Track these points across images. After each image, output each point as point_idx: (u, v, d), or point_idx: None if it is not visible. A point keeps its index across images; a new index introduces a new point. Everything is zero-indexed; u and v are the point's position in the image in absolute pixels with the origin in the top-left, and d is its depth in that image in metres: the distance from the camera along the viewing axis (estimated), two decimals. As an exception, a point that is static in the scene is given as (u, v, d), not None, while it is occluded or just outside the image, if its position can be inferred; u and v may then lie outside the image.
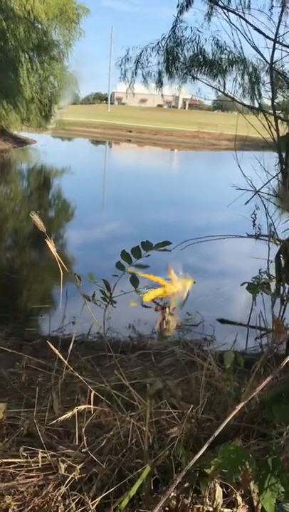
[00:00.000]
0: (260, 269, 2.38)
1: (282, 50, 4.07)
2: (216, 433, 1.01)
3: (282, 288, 1.78)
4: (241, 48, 4.91)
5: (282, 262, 1.69)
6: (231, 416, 1.01)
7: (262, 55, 4.01)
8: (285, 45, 3.76)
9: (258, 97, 5.41)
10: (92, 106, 56.18)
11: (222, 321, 4.59)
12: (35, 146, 24.42)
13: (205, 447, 1.02)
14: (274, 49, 3.88)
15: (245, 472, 1.27)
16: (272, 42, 3.87)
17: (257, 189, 3.77)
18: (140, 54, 6.13)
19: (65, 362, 1.51)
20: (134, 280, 2.05)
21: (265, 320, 3.24)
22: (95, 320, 1.94)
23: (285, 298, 1.86)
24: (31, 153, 23.37)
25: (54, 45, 20.46)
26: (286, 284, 1.76)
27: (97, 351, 2.90)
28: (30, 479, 1.59)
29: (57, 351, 1.40)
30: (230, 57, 5.55)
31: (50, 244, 1.42)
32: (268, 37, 3.80)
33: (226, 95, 5.71)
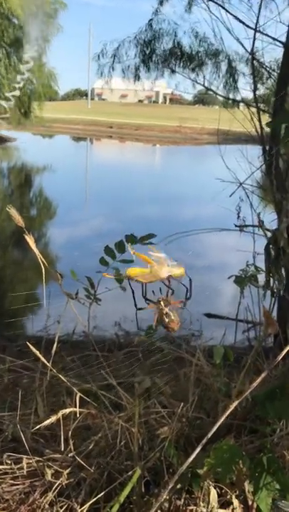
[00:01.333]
0: (247, 262, 2.34)
1: (262, 40, 4.04)
2: (209, 435, 0.96)
3: (271, 280, 1.75)
4: (221, 39, 4.87)
5: (272, 253, 1.65)
6: (224, 416, 0.96)
7: (242, 45, 3.97)
8: (265, 34, 3.72)
9: (238, 89, 5.37)
10: (72, 102, 55.70)
11: (209, 315, 4.56)
12: (16, 144, 24.12)
13: (198, 450, 0.96)
14: (254, 39, 3.85)
15: (240, 472, 1.23)
16: (253, 32, 3.84)
17: (241, 182, 3.74)
18: (117, 48, 6.04)
19: (48, 365, 1.44)
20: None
21: (253, 313, 3.21)
22: (79, 319, 1.88)
23: (274, 290, 1.83)
24: (11, 151, 23.07)
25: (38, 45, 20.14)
26: (275, 276, 1.73)
27: (83, 350, 2.83)
28: (16, 486, 1.53)
29: (38, 353, 1.33)
30: (209, 48, 5.51)
31: (30, 240, 1.34)
32: (248, 26, 3.76)
33: (206, 88, 5.67)
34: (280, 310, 3.07)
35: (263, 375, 0.95)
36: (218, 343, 3.50)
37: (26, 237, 1.33)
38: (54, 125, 29.66)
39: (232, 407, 0.95)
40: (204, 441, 0.95)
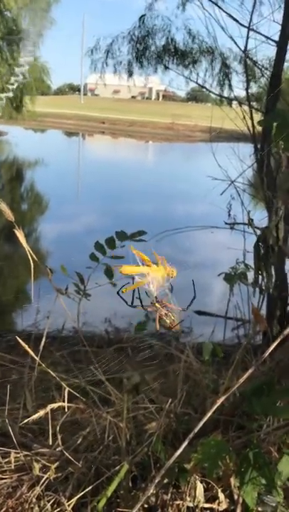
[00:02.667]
0: (237, 260, 2.35)
1: (255, 38, 4.05)
2: (196, 429, 0.96)
3: (260, 277, 1.76)
4: (215, 37, 4.87)
5: (261, 250, 1.67)
6: (211, 411, 0.97)
7: (236, 43, 3.97)
8: (258, 33, 3.73)
9: (231, 86, 5.37)
10: (65, 97, 55.38)
11: (199, 312, 4.58)
12: (7, 138, 23.96)
13: (184, 445, 0.97)
14: (248, 37, 3.86)
15: (226, 467, 1.24)
16: (246, 30, 3.84)
17: (232, 180, 3.76)
18: (111, 43, 6.02)
19: (37, 359, 1.44)
20: (109, 272, 1.99)
21: (243, 311, 3.23)
22: (68, 314, 1.87)
23: (263, 288, 1.84)
24: (3, 145, 22.91)
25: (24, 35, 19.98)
26: (264, 273, 1.75)
27: (73, 346, 2.83)
28: (3, 480, 1.53)
29: (27, 347, 1.33)
30: (203, 46, 5.50)
31: (20, 234, 1.34)
32: (241, 24, 3.76)
33: (199, 85, 5.68)
34: (269, 307, 3.10)
35: (250, 371, 0.96)
36: (208, 340, 3.52)
37: (16, 231, 1.33)
38: (46, 119, 29.50)
39: (219, 402, 0.96)
40: (191, 435, 0.96)
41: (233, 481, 1.34)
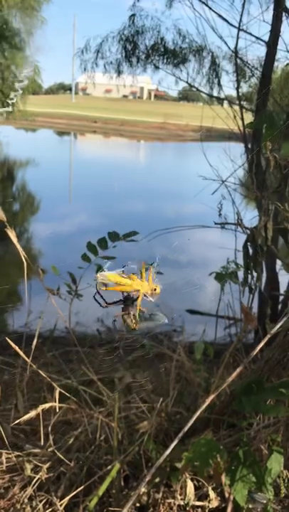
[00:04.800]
0: (228, 259, 2.37)
1: (245, 39, 4.07)
2: (186, 428, 0.97)
3: (250, 276, 1.77)
4: (205, 37, 4.89)
5: (250, 250, 1.68)
6: (201, 410, 0.98)
7: (226, 43, 3.99)
8: (248, 33, 3.75)
9: (222, 86, 5.39)
10: (56, 96, 55.19)
11: (191, 311, 4.59)
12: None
13: (174, 443, 0.98)
14: (238, 37, 3.88)
15: (217, 465, 1.25)
16: (236, 30, 3.86)
17: (223, 179, 3.77)
18: (100, 43, 6.01)
19: (28, 360, 1.44)
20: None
21: (234, 309, 3.24)
22: (60, 314, 1.88)
23: (253, 287, 1.85)
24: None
25: (15, 34, 19.91)
26: (254, 273, 1.76)
27: (64, 346, 2.83)
28: (-5, 481, 1.53)
29: (17, 348, 1.33)
30: (192, 45, 5.51)
31: (11, 234, 1.34)
32: (231, 25, 3.78)
33: (189, 85, 5.69)
34: (260, 306, 3.11)
35: (239, 369, 0.97)
36: (200, 339, 3.54)
37: (8, 231, 1.33)
38: (37, 119, 29.37)
39: (208, 401, 0.97)
40: (180, 434, 0.96)
41: (224, 479, 1.35)
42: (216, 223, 2.17)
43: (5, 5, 18.24)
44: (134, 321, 0.90)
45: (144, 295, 0.91)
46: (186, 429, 0.96)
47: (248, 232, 1.69)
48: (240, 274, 2.38)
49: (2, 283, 5.61)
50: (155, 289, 0.93)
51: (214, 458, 1.25)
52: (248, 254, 1.70)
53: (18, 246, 1.52)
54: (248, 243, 1.72)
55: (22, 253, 1.52)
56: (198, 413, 0.97)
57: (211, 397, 0.97)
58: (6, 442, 1.50)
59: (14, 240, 1.45)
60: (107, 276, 0.91)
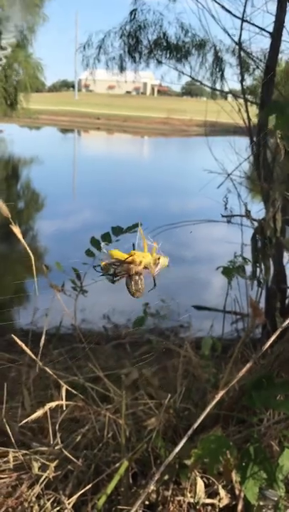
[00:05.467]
0: (235, 253, 2.33)
1: (249, 30, 4.01)
2: (195, 425, 0.95)
3: (258, 270, 1.74)
4: (208, 29, 4.84)
5: (259, 242, 1.65)
6: (210, 406, 0.95)
7: (229, 35, 3.94)
8: (252, 24, 3.69)
9: (226, 79, 5.34)
10: (59, 93, 55.13)
11: (198, 307, 4.56)
12: (2, 135, 23.84)
13: (183, 441, 0.96)
14: (241, 29, 3.82)
15: (227, 462, 1.23)
16: (240, 21, 3.80)
17: (228, 173, 3.74)
18: (103, 39, 5.97)
19: (34, 358, 1.42)
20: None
21: (241, 304, 3.21)
22: (66, 311, 1.86)
23: (261, 280, 1.82)
24: (-2, 143, 22.83)
25: (17, 31, 19.85)
26: (262, 266, 1.73)
27: (71, 343, 2.81)
28: (3, 480, 1.51)
29: (24, 346, 1.31)
30: (195, 39, 5.46)
31: (16, 230, 1.31)
32: (235, 16, 3.73)
33: (193, 79, 5.64)
34: (268, 300, 3.08)
35: (249, 364, 0.95)
36: (207, 334, 3.51)
37: (13, 227, 1.30)
38: (41, 117, 29.37)
39: (218, 397, 0.94)
40: (190, 432, 0.94)
41: (235, 476, 1.33)
42: (223, 215, 2.14)
43: (6, 2, 18.19)
44: (137, 287, 0.86)
45: (147, 268, 0.85)
46: (195, 426, 0.94)
47: (256, 224, 1.66)
48: (248, 268, 2.35)
49: (8, 280, 5.60)
50: (159, 259, 0.86)
51: (224, 455, 1.23)
52: (256, 247, 1.67)
53: (23, 242, 1.50)
54: (257, 235, 1.69)
55: (26, 248, 1.50)
56: (207, 410, 0.95)
57: (221, 393, 0.95)
58: (13, 441, 1.48)
59: (19, 235, 1.43)
60: (110, 253, 0.87)
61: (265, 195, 3.22)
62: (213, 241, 6.32)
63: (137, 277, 0.86)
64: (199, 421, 0.93)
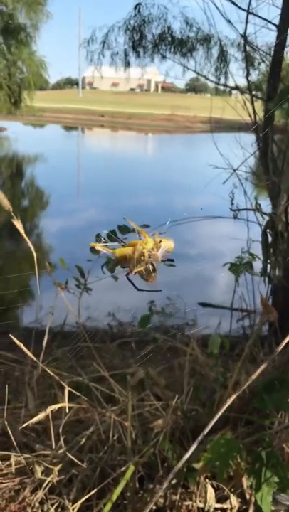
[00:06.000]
0: (242, 249, 2.28)
1: (255, 24, 3.94)
2: (206, 431, 0.90)
3: (268, 266, 1.69)
4: (213, 22, 4.77)
5: (269, 237, 1.59)
6: (223, 410, 0.90)
7: (234, 27, 3.87)
8: (258, 16, 3.63)
9: (232, 74, 5.27)
10: (63, 91, 55.07)
11: (203, 304, 4.51)
12: (6, 133, 23.85)
13: (193, 448, 0.91)
14: (247, 21, 3.76)
15: (238, 466, 1.17)
16: (245, 14, 3.74)
17: (234, 169, 3.68)
18: (106, 34, 5.91)
19: (36, 360, 1.37)
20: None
21: (250, 301, 3.16)
22: (70, 309, 1.81)
23: (271, 276, 1.77)
24: (2, 140, 22.82)
25: (21, 29, 19.83)
26: (273, 261, 1.67)
27: (75, 341, 2.77)
28: (5, 484, 1.47)
29: (23, 347, 1.26)
30: (200, 33, 5.39)
31: (18, 225, 1.27)
32: (240, 8, 3.66)
33: (198, 74, 5.57)
34: (275, 296, 3.02)
35: (263, 366, 0.89)
36: (213, 332, 3.46)
37: (15, 222, 1.26)
38: (45, 114, 29.34)
39: (230, 400, 0.89)
40: (200, 438, 0.89)
41: (245, 481, 1.27)
42: (231, 210, 2.08)
43: (10, 0, 18.16)
44: (149, 273, 0.80)
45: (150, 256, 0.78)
46: (206, 431, 0.89)
47: (266, 218, 1.60)
48: (255, 264, 2.30)
49: (12, 278, 5.57)
50: (160, 241, 0.79)
51: (234, 459, 1.18)
52: (267, 242, 1.62)
53: (26, 237, 1.45)
54: (267, 230, 1.63)
55: (30, 244, 1.45)
56: (219, 414, 0.90)
57: (234, 396, 0.90)
58: (14, 444, 1.44)
59: (21, 231, 1.38)
60: (114, 252, 0.81)
61: (272, 190, 3.17)
62: (218, 237, 6.27)
63: (143, 263, 0.80)
64: (210, 426, 0.88)
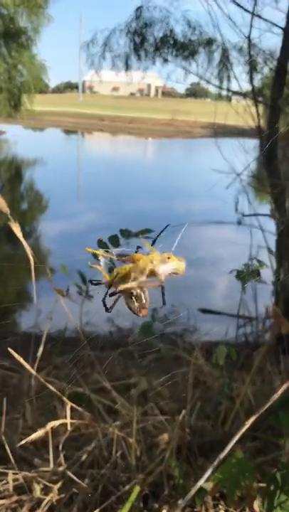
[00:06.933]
0: (249, 255, 2.22)
1: (259, 28, 3.89)
2: (222, 455, 0.83)
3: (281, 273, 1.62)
4: (217, 25, 4.72)
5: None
6: (241, 432, 0.83)
7: (239, 29, 3.81)
8: (263, 19, 3.58)
9: (236, 78, 5.21)
10: (63, 95, 55.13)
11: (204, 310, 4.45)
12: (6, 137, 23.80)
13: (206, 476, 0.84)
14: (251, 24, 3.71)
15: (250, 489, 1.10)
16: (250, 17, 3.69)
17: (237, 173, 3.63)
18: (108, 36, 5.85)
19: (33, 372, 1.30)
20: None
21: (252, 308, 3.10)
22: (70, 317, 1.74)
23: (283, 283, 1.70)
24: (2, 144, 22.78)
25: (22, 32, 19.84)
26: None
27: (75, 348, 2.69)
28: (1, 502, 1.39)
29: (22, 359, 1.19)
30: (202, 36, 5.34)
31: (15, 228, 1.20)
32: (245, 9, 3.61)
33: (200, 77, 5.51)
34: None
35: (286, 385, 0.83)
36: (214, 338, 3.39)
37: (12, 225, 1.19)
38: (45, 118, 29.32)
39: (249, 422, 0.82)
40: (216, 463, 0.82)
41: (258, 505, 1.20)
42: (243, 215, 2.02)
43: (11, 3, 18.17)
44: (139, 305, 0.66)
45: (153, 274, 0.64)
46: (222, 456, 0.82)
47: (280, 222, 1.54)
48: (262, 271, 2.23)
49: (11, 283, 5.49)
50: (169, 258, 0.66)
51: (246, 480, 1.11)
52: (283, 247, 1.55)
53: (23, 240, 1.38)
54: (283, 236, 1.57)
55: (27, 247, 1.39)
56: (237, 437, 0.83)
57: (253, 418, 0.83)
58: (12, 460, 1.36)
59: (19, 234, 1.32)
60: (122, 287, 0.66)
61: (275, 195, 3.11)
62: (219, 242, 6.21)
63: (138, 290, 0.67)
64: (227, 450, 0.82)
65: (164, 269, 0.65)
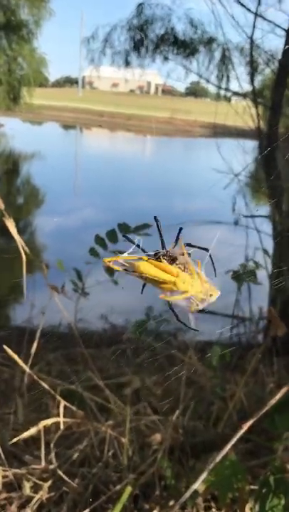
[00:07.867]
0: (246, 256, 2.21)
1: (262, 29, 3.88)
2: (218, 458, 0.82)
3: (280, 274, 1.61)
4: (219, 25, 4.70)
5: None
6: (237, 437, 0.82)
7: (242, 29, 3.81)
8: (266, 19, 3.57)
9: (238, 78, 5.19)
10: (63, 90, 54.86)
11: (198, 310, 4.44)
12: (3, 130, 23.67)
13: (198, 482, 0.83)
14: (254, 24, 3.70)
15: (242, 491, 1.09)
16: (253, 17, 3.68)
17: (235, 174, 3.64)
18: (109, 32, 5.82)
19: (27, 369, 1.29)
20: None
21: (245, 308, 3.09)
22: (64, 314, 1.72)
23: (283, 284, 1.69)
24: (-1, 137, 22.67)
25: (23, 25, 19.74)
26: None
27: (68, 344, 2.68)
28: (-10, 498, 1.38)
29: (16, 356, 1.18)
30: (204, 36, 5.32)
31: (10, 224, 1.19)
32: (248, 9, 3.60)
33: (200, 76, 5.49)
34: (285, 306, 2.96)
35: (285, 389, 0.82)
36: (207, 338, 3.38)
37: (6, 221, 1.17)
38: (43, 112, 29.19)
39: (245, 426, 0.81)
40: (209, 468, 0.81)
41: (248, 506, 1.19)
42: (245, 216, 2.01)
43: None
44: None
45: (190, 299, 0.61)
46: (218, 458, 0.81)
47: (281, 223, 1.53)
48: (258, 272, 2.22)
49: (6, 277, 5.46)
50: (211, 295, 0.62)
51: (239, 482, 1.10)
52: (280, 247, 1.54)
53: (17, 237, 1.37)
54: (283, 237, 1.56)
55: (21, 243, 1.37)
56: (233, 442, 0.82)
57: (250, 422, 0.82)
58: (3, 457, 1.35)
59: (13, 230, 1.30)
60: (139, 267, 0.60)
61: (273, 197, 3.10)
62: (216, 243, 6.19)
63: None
64: (221, 455, 0.81)
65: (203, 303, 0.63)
